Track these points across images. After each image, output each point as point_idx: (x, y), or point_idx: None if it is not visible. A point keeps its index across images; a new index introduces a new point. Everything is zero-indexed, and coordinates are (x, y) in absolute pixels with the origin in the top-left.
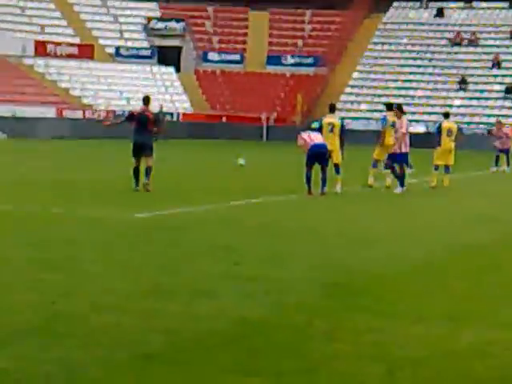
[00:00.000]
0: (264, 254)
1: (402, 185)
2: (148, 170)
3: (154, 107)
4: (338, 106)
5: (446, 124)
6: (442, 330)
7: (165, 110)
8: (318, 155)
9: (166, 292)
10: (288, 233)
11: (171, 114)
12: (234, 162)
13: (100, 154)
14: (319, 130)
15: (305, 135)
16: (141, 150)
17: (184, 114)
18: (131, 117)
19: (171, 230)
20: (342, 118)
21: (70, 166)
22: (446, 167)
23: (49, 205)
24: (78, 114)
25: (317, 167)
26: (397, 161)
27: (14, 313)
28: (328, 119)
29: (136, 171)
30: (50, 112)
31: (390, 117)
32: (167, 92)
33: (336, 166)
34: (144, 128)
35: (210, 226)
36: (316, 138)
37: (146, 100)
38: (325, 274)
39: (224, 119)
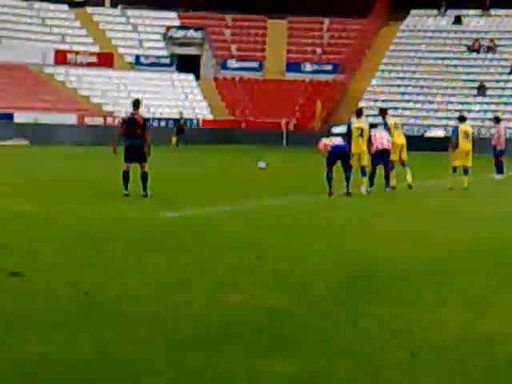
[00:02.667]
0: (288, 249)
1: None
2: (143, 177)
3: (144, 113)
4: None
5: (462, 127)
6: (464, 317)
7: (185, 116)
8: (340, 153)
9: (195, 284)
10: (311, 230)
11: (191, 121)
12: (255, 166)
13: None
14: (348, 134)
15: (326, 140)
16: (133, 154)
17: (204, 121)
18: (122, 122)
19: (198, 228)
20: (371, 124)
21: (93, 171)
22: (465, 169)
23: (75, 205)
24: (99, 121)
25: (337, 169)
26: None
27: (50, 302)
28: (357, 124)
29: (125, 175)
30: (71, 119)
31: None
32: (187, 99)
33: (363, 168)
34: (133, 132)
35: (234, 224)
36: (336, 140)
37: (136, 103)
38: (349, 267)
39: (244, 125)
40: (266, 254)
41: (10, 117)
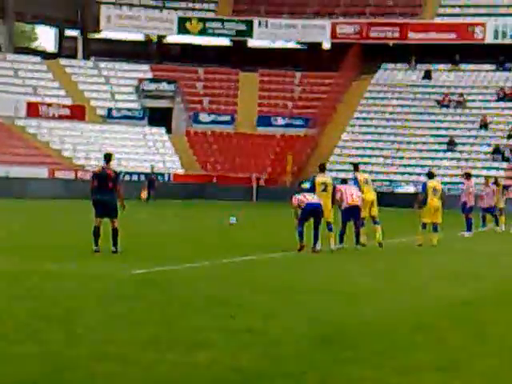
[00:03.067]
0: (257, 308)
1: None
2: (114, 233)
3: (114, 166)
4: (328, 166)
5: (430, 183)
6: (432, 381)
7: (156, 171)
8: (314, 212)
9: (164, 343)
10: (278, 288)
11: (162, 175)
12: (224, 222)
13: (90, 215)
14: (311, 189)
15: (299, 196)
16: (104, 209)
17: (175, 175)
18: (93, 176)
19: (165, 285)
20: (334, 179)
21: (64, 225)
22: (434, 226)
23: (42, 261)
24: (70, 175)
25: (308, 224)
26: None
27: (19, 362)
28: (321, 178)
29: (96, 230)
30: (42, 172)
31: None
32: (158, 153)
33: (328, 223)
34: (104, 186)
35: (204, 281)
36: (311, 197)
37: (108, 157)
38: (317, 327)
39: (215, 179)
40: (236, 312)
41: None
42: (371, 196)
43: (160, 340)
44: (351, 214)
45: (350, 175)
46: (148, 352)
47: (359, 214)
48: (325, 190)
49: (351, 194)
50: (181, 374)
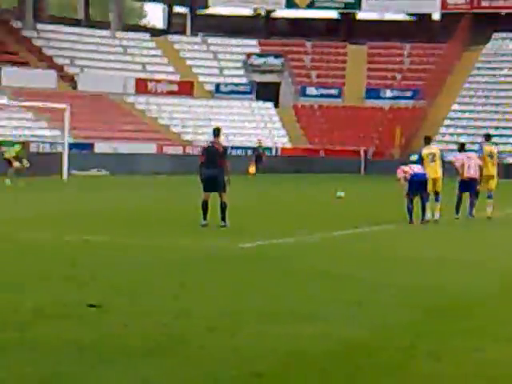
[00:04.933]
0: (366, 279)
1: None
2: (222, 208)
3: (223, 141)
4: (437, 138)
5: None
6: None
7: (263, 145)
8: (419, 184)
9: (273, 315)
10: (389, 260)
11: (270, 149)
12: (333, 195)
13: (198, 190)
14: (419, 161)
15: (405, 167)
16: (212, 184)
17: (283, 149)
18: (202, 151)
19: (274, 259)
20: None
21: (172, 200)
22: None
23: (153, 236)
24: (178, 150)
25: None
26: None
27: (130, 335)
28: (427, 150)
29: (205, 205)
30: (150, 148)
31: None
32: (266, 127)
33: (437, 193)
34: (213, 161)
35: (313, 254)
36: (416, 168)
37: (216, 131)
38: (426, 298)
39: (322, 153)
40: (345, 284)
41: (90, 147)
42: (492, 171)
43: (269, 312)
44: (468, 186)
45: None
46: (258, 324)
47: (475, 187)
48: (433, 160)
49: (469, 167)
50: (289, 345)
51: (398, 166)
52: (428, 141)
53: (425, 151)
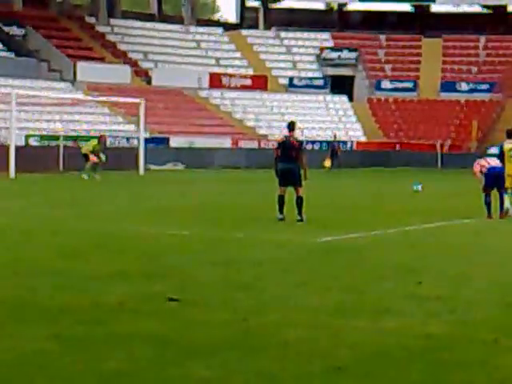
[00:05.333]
0: (446, 274)
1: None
2: (298, 202)
3: (297, 135)
4: None
5: None
6: None
7: (338, 138)
8: (496, 177)
9: (352, 310)
10: (468, 253)
11: (345, 143)
12: (410, 189)
13: (274, 184)
14: (500, 155)
15: (482, 161)
16: (288, 178)
17: (358, 143)
18: (277, 145)
19: (352, 253)
20: None
21: (248, 194)
22: None
23: (231, 229)
24: (253, 144)
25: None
26: None
27: (211, 328)
28: (509, 145)
29: (281, 199)
30: (225, 142)
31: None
32: (340, 121)
33: None
34: (288, 155)
35: (389, 248)
36: (493, 161)
37: (291, 125)
38: (509, 292)
39: (398, 147)
40: (424, 278)
41: (166, 141)
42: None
43: (348, 306)
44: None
45: None
46: (336, 318)
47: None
48: None
49: None
50: (369, 340)
51: (475, 160)
52: (510, 134)
53: (506, 145)
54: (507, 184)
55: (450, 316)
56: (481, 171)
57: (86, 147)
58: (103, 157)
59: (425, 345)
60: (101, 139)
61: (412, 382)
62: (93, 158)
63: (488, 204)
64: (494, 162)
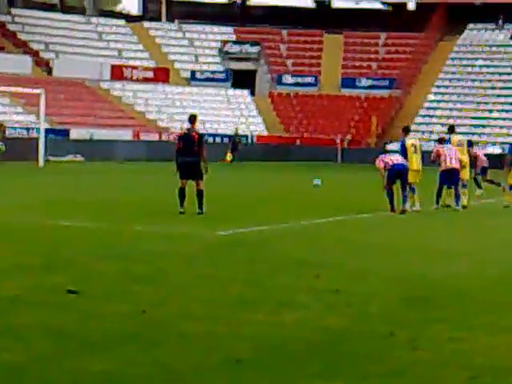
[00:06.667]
0: (344, 268)
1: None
2: (199, 195)
3: (199, 128)
4: (413, 127)
5: None
6: None
7: (240, 132)
8: (399, 173)
9: (251, 303)
10: (367, 248)
11: (246, 137)
12: (309, 183)
13: (175, 177)
14: (402, 151)
15: (385, 158)
16: (188, 171)
17: (258, 137)
18: (178, 138)
19: (252, 246)
20: (440, 139)
21: (149, 187)
22: None
23: (130, 222)
24: (154, 137)
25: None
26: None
27: (110, 320)
28: (411, 141)
29: (181, 192)
30: (126, 135)
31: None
32: (242, 115)
33: (412, 185)
34: (189, 148)
35: (289, 242)
36: (396, 158)
37: (192, 118)
38: (405, 287)
39: (298, 142)
40: (322, 272)
41: (66, 133)
42: (465, 158)
43: (247, 300)
44: (448, 177)
45: (435, 136)
46: (235, 312)
47: (457, 177)
48: (415, 151)
49: (450, 158)
50: (268, 333)
51: (377, 156)
52: (407, 131)
53: (408, 141)
54: (411, 179)
55: (348, 309)
56: (385, 167)
57: None
58: (2, 147)
59: (323, 338)
60: (0, 128)
61: (310, 374)
62: None
63: (390, 197)
64: (396, 159)
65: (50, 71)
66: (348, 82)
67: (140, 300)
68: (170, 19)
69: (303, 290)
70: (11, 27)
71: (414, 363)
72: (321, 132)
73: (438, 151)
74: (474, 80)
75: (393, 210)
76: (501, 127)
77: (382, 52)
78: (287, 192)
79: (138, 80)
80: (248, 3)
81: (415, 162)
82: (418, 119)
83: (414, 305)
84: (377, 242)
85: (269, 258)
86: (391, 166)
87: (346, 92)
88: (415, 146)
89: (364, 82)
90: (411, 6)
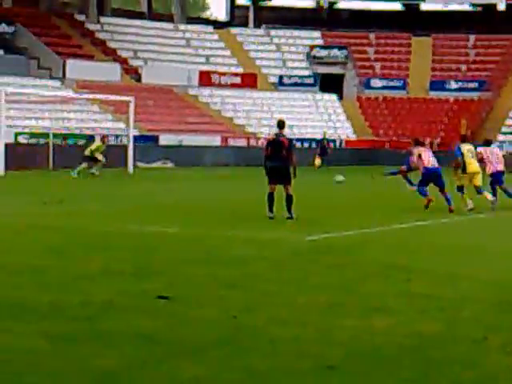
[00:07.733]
0: (433, 272)
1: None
2: (288, 200)
3: (287, 133)
4: (503, 129)
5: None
6: None
7: (328, 137)
8: (435, 176)
9: (341, 308)
10: (454, 251)
11: (334, 141)
12: (396, 187)
13: (264, 182)
14: (458, 154)
15: (419, 158)
16: (276, 176)
17: (347, 141)
18: (267, 143)
19: (341, 251)
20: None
21: (238, 192)
22: None
23: (220, 227)
24: (243, 142)
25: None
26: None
27: (200, 326)
28: (466, 147)
29: (270, 197)
30: (215, 140)
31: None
32: (330, 119)
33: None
34: (277, 153)
35: (379, 246)
36: (432, 161)
37: (281, 124)
38: (497, 291)
39: (387, 145)
40: (414, 276)
41: (155, 139)
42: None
43: (337, 304)
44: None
45: None
46: (325, 317)
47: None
48: (472, 156)
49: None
50: (359, 338)
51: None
52: (464, 139)
53: (464, 147)
54: (477, 182)
55: (440, 314)
56: (418, 162)
57: (92, 147)
58: (103, 159)
59: (415, 343)
60: (104, 140)
61: (402, 379)
62: (100, 158)
63: (424, 193)
64: (433, 163)
65: (138, 78)
66: (437, 85)
67: (230, 305)
68: (258, 25)
69: (394, 294)
70: (100, 35)
71: (508, 368)
72: (410, 135)
73: (481, 153)
74: None
75: (428, 203)
76: None
77: (472, 54)
78: (375, 197)
79: (225, 86)
80: (335, 7)
81: (474, 166)
82: (509, 121)
83: (507, 309)
84: (463, 244)
85: (358, 262)
86: (425, 169)
87: (435, 95)
88: (471, 152)
89: (453, 84)
90: (501, 6)
